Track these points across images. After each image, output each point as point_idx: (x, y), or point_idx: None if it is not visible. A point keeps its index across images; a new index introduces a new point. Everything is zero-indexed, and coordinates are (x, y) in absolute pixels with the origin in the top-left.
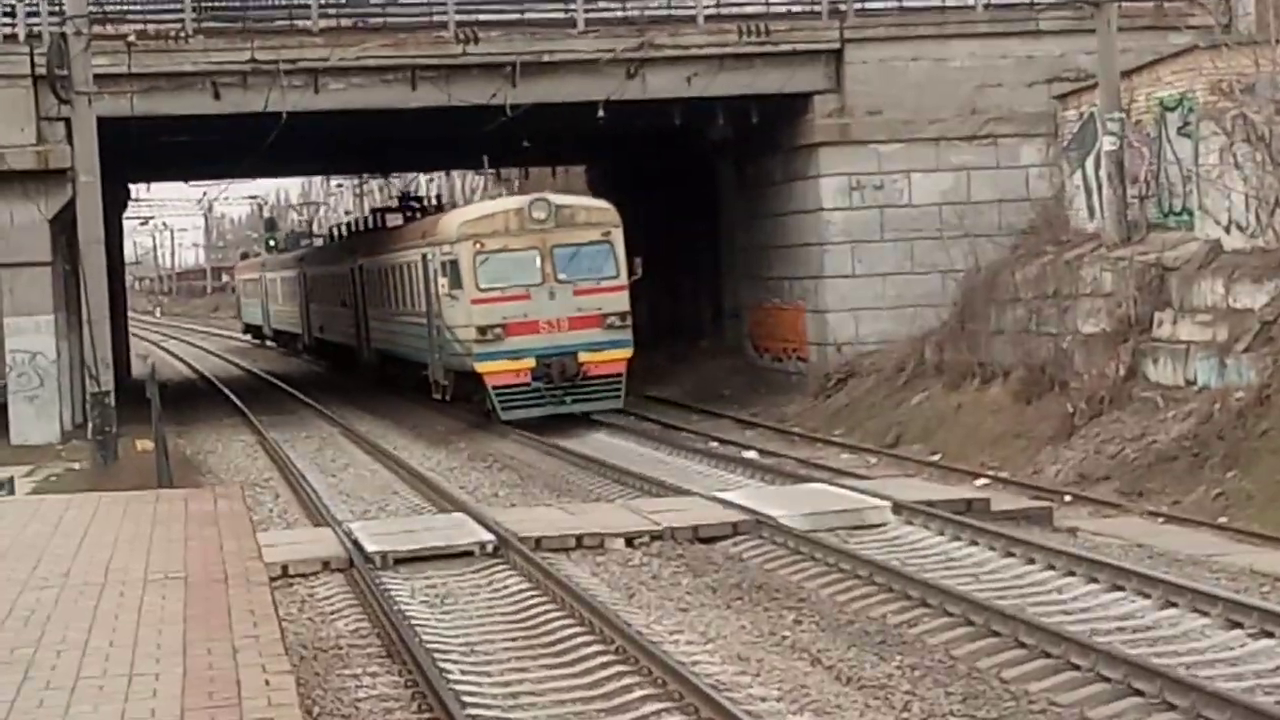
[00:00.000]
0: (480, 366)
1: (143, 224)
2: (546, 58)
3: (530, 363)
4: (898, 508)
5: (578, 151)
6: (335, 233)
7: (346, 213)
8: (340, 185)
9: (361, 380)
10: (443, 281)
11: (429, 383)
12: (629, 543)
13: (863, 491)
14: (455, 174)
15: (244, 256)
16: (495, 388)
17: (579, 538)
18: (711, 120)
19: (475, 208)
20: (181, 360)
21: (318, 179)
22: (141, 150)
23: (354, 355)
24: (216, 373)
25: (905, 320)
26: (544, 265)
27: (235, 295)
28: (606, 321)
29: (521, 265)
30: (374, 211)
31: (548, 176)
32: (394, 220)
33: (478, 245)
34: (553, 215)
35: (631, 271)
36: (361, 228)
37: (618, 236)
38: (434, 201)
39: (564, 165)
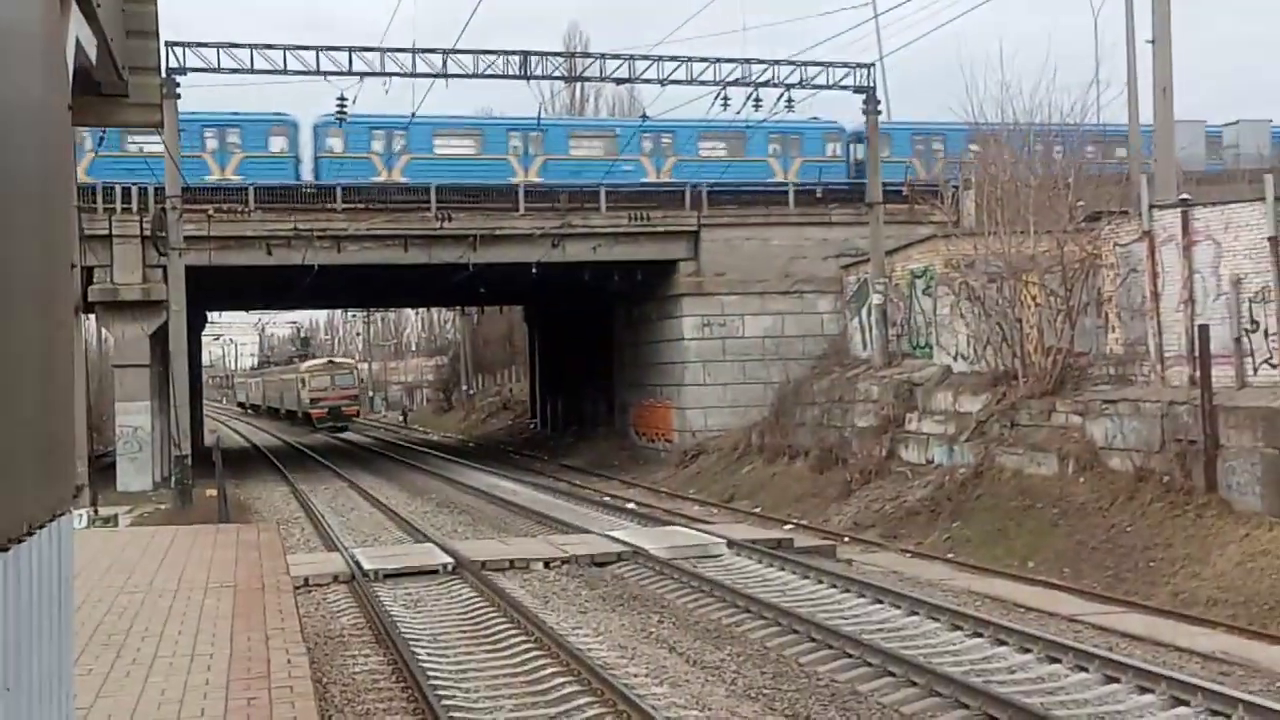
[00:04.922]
0: (311, 411)
1: (215, 339)
2: (498, 232)
3: (326, 410)
4: (731, 544)
5: (517, 296)
6: (273, 362)
7: (357, 334)
8: (354, 315)
9: (371, 453)
10: (300, 385)
11: (298, 417)
12: (546, 565)
13: (707, 532)
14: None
15: (289, 361)
16: (315, 417)
17: (512, 561)
18: (609, 277)
19: (310, 361)
20: (240, 435)
21: (339, 311)
22: (215, 288)
23: (277, 411)
24: (265, 444)
25: (739, 415)
26: (333, 380)
27: (232, 388)
28: (350, 396)
29: (325, 380)
30: (290, 358)
31: (496, 312)
32: (300, 360)
33: (311, 374)
34: (334, 365)
35: (360, 383)
36: (285, 361)
37: (355, 371)
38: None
39: (507, 305)
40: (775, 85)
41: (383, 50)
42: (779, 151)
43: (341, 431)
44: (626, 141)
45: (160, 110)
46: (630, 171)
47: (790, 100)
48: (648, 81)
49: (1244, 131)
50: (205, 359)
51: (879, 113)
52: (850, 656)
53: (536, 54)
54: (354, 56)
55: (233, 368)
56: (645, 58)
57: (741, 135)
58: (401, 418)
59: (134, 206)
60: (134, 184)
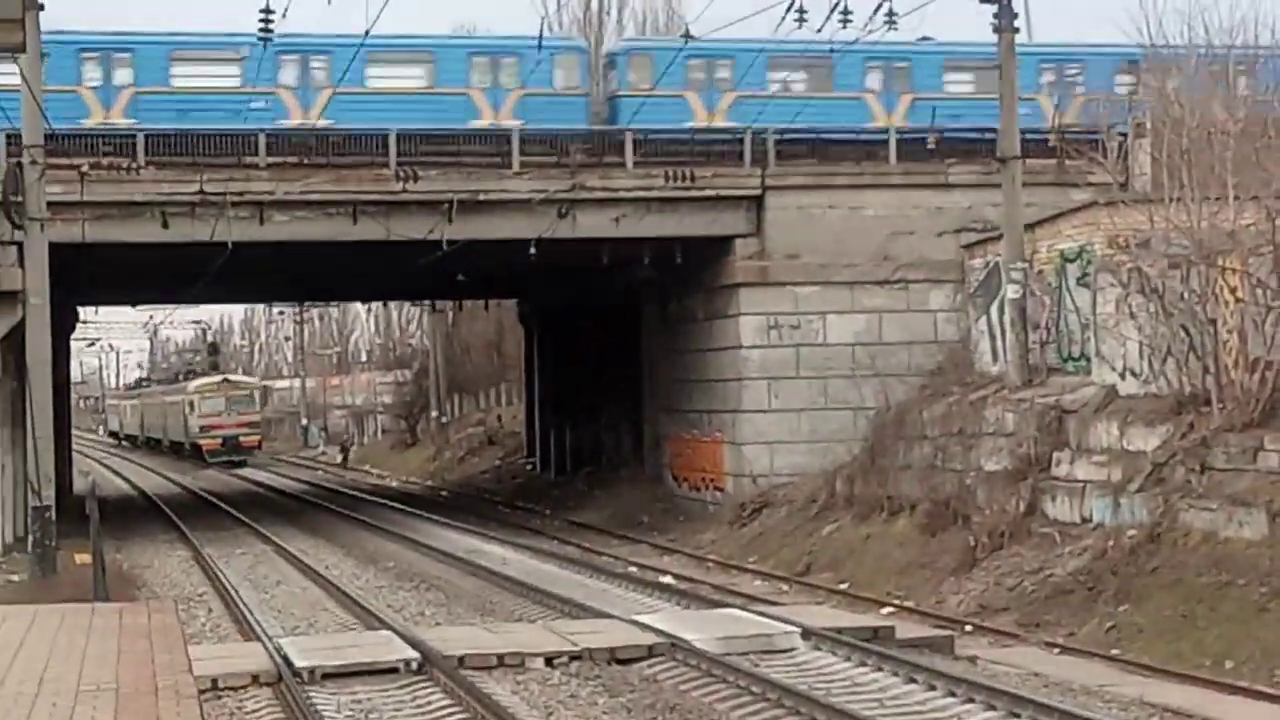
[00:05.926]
0: (201, 441)
1: (89, 345)
2: (482, 196)
3: (220, 441)
4: (807, 634)
5: (509, 286)
6: (154, 380)
7: (286, 338)
8: (282, 313)
9: (303, 504)
10: (187, 410)
11: (184, 449)
12: (548, 662)
13: (773, 617)
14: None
15: (174, 379)
16: (206, 450)
17: (501, 656)
18: (637, 259)
19: (200, 380)
20: (121, 476)
21: (260, 306)
22: (91, 275)
23: (158, 444)
24: (155, 489)
25: (818, 454)
26: (228, 404)
27: (104, 414)
28: (249, 424)
29: (218, 403)
30: (177, 374)
31: (479, 309)
32: (189, 377)
33: (201, 395)
34: (231, 384)
35: (264, 405)
36: (170, 379)
37: (257, 392)
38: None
39: (496, 299)
40: None
41: None
42: (487, 81)
43: (239, 467)
44: (258, 67)
45: (21, 28)
46: (264, 110)
47: (892, 14)
48: None
49: None
50: (76, 373)
51: (1016, 30)
52: None
53: None
54: None
55: (114, 384)
56: None
57: (430, 57)
58: (340, 457)
59: None
60: None
